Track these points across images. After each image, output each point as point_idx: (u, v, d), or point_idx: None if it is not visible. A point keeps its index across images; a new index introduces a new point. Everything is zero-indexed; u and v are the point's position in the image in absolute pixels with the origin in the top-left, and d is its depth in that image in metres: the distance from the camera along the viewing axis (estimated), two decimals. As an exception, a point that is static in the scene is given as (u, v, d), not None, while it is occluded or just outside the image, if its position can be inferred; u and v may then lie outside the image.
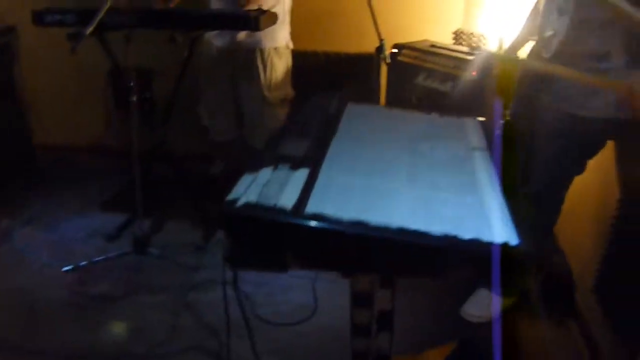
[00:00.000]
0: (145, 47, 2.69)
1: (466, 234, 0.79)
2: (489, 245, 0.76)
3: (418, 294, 2.21)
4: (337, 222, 0.80)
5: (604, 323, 1.91)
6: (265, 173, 0.91)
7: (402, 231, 0.78)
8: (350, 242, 0.80)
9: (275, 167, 0.93)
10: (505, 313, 2.15)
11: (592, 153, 1.87)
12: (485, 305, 2.16)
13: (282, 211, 0.81)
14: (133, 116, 2.26)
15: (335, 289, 2.30)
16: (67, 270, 2.34)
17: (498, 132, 2.07)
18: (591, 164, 1.90)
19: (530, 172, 1.98)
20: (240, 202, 0.81)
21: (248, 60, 2.68)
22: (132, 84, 2.22)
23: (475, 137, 1.24)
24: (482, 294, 2.18)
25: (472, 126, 1.33)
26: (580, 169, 1.91)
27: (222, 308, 2.17)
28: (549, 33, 1.84)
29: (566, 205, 2.02)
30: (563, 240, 2.48)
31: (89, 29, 1.90)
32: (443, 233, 0.78)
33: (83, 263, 2.37)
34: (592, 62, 1.72)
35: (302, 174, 0.92)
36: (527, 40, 2.16)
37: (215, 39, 2.62)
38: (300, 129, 1.13)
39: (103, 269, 2.35)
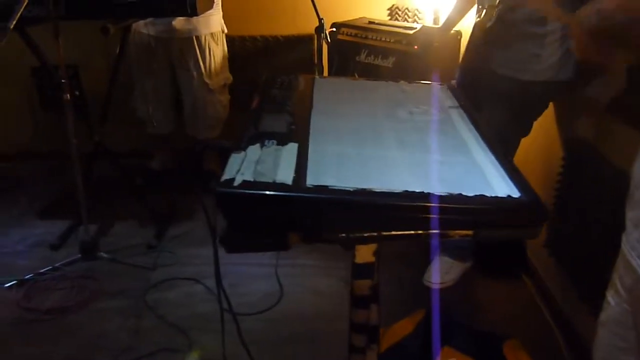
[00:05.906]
0: (69, 41, 2.52)
1: (469, 192, 0.80)
2: (494, 200, 0.78)
3: (393, 267, 2.23)
4: (343, 191, 0.78)
5: (557, 276, 2.01)
6: (254, 151, 0.87)
7: (408, 194, 0.77)
8: (358, 211, 0.79)
9: (263, 144, 0.90)
10: (462, 276, 2.23)
11: (536, 115, 1.96)
12: (444, 272, 2.23)
13: (283, 186, 0.78)
14: (67, 116, 2.12)
15: (299, 273, 2.29)
16: (10, 286, 2.18)
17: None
18: (536, 125, 1.98)
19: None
20: (238, 181, 0.77)
21: (185, 48, 2.59)
22: (63, 80, 2.08)
23: (448, 100, 1.26)
24: (439, 261, 2.24)
25: (442, 90, 1.35)
26: (526, 131, 1.99)
27: (185, 305, 2.12)
28: (488, 3, 1.89)
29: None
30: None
31: (12, 22, 1.74)
32: (447, 192, 0.79)
33: (28, 276, 2.21)
34: (531, 26, 1.79)
35: (292, 149, 0.90)
36: (463, 14, 2.22)
37: (149, 27, 2.50)
38: (275, 106, 1.09)
39: (52, 280, 2.21)
